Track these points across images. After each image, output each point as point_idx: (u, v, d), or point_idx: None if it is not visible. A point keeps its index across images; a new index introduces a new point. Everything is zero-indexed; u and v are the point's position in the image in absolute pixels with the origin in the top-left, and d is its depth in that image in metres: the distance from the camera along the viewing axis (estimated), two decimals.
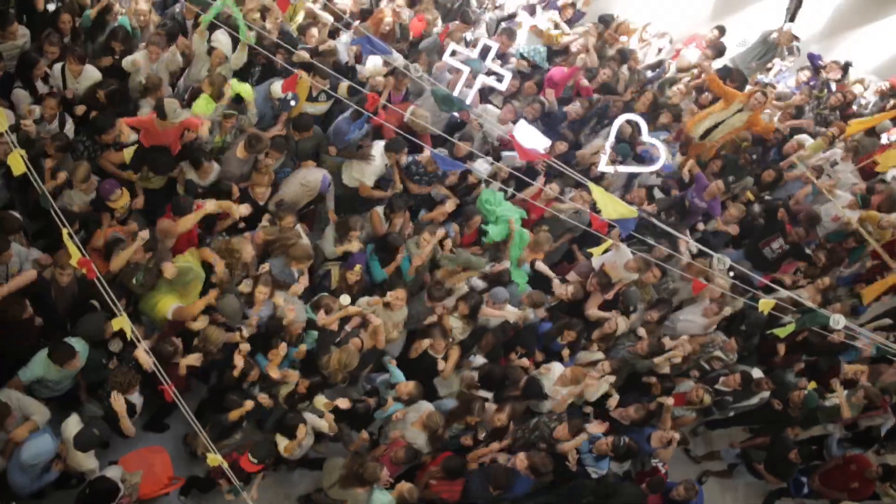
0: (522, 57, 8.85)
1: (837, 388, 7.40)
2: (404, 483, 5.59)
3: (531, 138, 6.93)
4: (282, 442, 5.62)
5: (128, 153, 6.31)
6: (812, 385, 7.47)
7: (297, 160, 7.20)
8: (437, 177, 7.52)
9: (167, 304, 5.69)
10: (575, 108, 8.30)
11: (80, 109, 6.36)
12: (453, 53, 7.21)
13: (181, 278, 5.79)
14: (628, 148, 7.98)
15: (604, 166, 7.50)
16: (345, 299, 6.23)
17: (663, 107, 8.89)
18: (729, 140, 8.85)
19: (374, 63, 7.78)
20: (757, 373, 7.43)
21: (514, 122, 7.44)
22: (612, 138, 7.38)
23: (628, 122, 7.45)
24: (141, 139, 6.30)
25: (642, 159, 7.99)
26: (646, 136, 7.25)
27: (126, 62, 6.64)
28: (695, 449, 8.18)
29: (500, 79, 7.07)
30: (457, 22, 8.49)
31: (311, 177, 6.99)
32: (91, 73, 6.47)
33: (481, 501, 6.01)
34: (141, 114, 6.52)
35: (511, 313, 6.83)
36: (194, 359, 5.54)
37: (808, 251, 8.47)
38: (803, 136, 9.49)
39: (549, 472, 5.99)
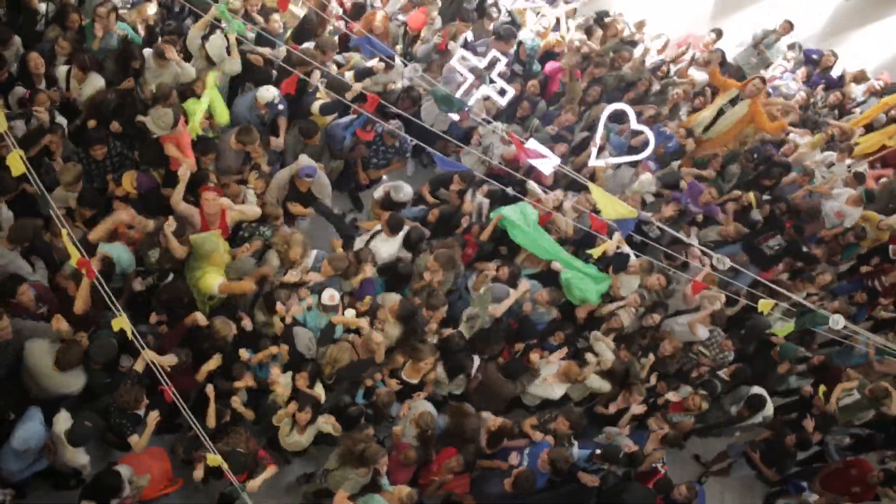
0: (520, 45, 8.72)
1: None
2: (403, 487, 5.57)
3: (540, 158, 6.90)
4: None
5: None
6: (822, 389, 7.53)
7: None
8: (396, 151, 7.46)
9: (212, 280, 5.82)
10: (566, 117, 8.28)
11: (92, 124, 6.38)
12: (462, 59, 7.23)
13: (199, 249, 5.89)
14: (623, 142, 7.94)
15: (594, 160, 7.49)
16: (349, 313, 6.25)
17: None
18: (733, 136, 8.85)
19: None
20: (756, 391, 7.40)
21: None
22: (600, 130, 7.39)
23: (615, 112, 7.45)
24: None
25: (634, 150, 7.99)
26: (635, 125, 7.24)
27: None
28: (705, 455, 8.16)
29: (502, 93, 7.06)
30: (457, 23, 8.48)
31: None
32: (95, 81, 6.48)
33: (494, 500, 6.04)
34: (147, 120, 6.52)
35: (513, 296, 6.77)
36: (214, 362, 5.58)
37: (805, 249, 8.42)
38: (799, 137, 9.51)
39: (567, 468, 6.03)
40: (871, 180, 9.24)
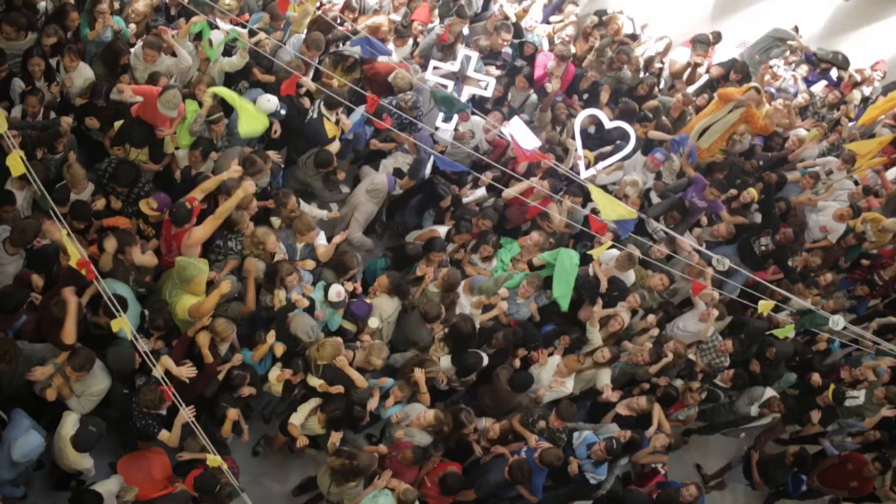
0: (524, 42, 8.63)
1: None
2: (402, 483, 5.59)
3: (524, 136, 6.93)
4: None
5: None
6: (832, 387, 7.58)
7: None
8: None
9: (184, 306, 5.69)
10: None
11: (93, 123, 6.38)
12: (435, 69, 7.22)
13: (181, 273, 5.74)
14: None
15: (584, 172, 7.51)
16: (373, 322, 6.25)
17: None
18: (724, 141, 8.82)
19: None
20: (769, 392, 7.41)
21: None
22: (577, 139, 7.39)
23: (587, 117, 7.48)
24: (137, 109, 6.27)
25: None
26: (608, 124, 7.26)
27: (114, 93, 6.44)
28: (706, 465, 8.21)
29: (484, 86, 7.03)
30: (453, 18, 8.46)
31: (378, 180, 6.91)
32: (84, 72, 6.47)
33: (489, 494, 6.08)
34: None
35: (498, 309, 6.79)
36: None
37: (789, 262, 8.18)
38: (802, 132, 9.47)
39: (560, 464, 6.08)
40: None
